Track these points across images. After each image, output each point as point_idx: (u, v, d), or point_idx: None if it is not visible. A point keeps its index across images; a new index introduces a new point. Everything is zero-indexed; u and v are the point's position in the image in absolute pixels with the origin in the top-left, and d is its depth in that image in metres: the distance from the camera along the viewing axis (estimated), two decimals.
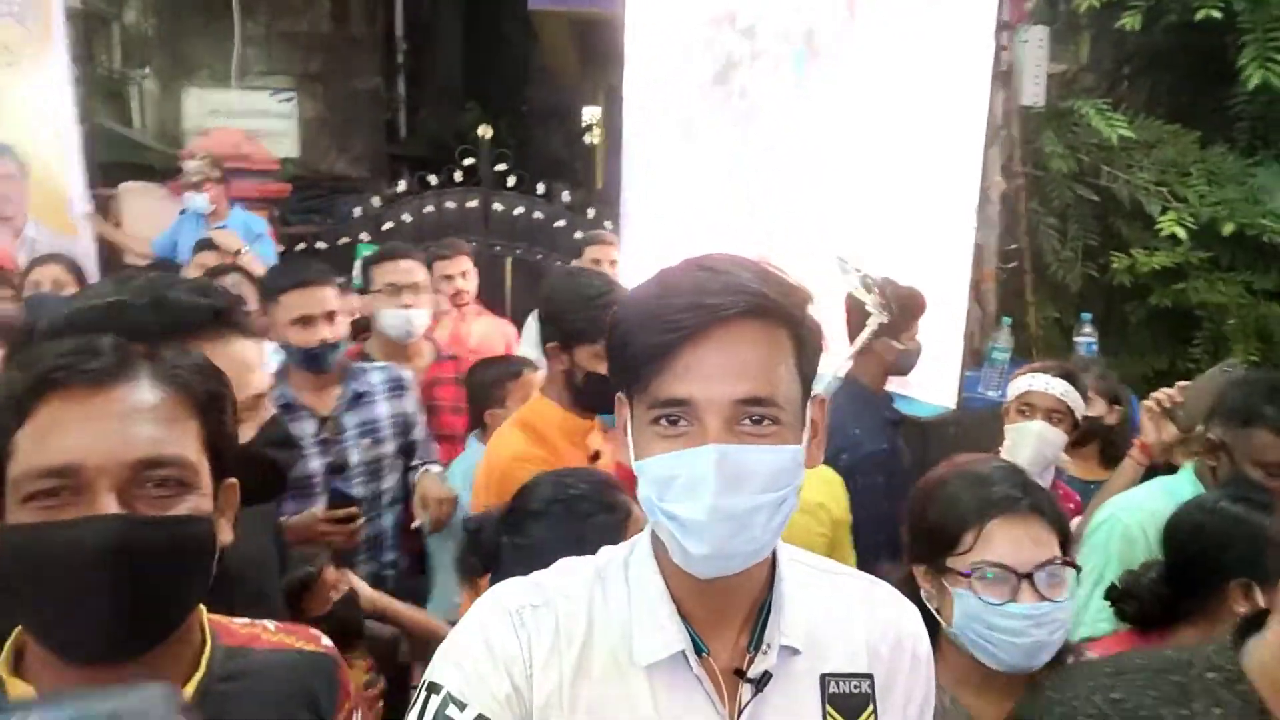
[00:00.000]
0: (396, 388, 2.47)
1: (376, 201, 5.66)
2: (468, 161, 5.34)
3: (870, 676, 0.88)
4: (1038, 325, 4.02)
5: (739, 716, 0.83)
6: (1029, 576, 1.17)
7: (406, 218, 5.47)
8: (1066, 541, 1.25)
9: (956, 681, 1.22)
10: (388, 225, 5.46)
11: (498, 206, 5.42)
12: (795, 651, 0.85)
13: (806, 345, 0.82)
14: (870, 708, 0.87)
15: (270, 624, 1.00)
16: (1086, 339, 3.50)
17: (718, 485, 0.75)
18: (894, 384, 3.05)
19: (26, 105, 4.32)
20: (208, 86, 8.61)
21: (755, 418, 0.77)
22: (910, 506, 1.32)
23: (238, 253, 3.77)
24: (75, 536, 0.77)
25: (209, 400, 0.87)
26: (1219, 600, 1.42)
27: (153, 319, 1.08)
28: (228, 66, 8.54)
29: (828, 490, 2.13)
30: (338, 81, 8.82)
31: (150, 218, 5.01)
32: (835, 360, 2.46)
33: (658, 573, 0.85)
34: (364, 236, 5.38)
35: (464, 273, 3.45)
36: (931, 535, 1.26)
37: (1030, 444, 2.30)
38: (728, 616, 0.86)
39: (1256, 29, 3.46)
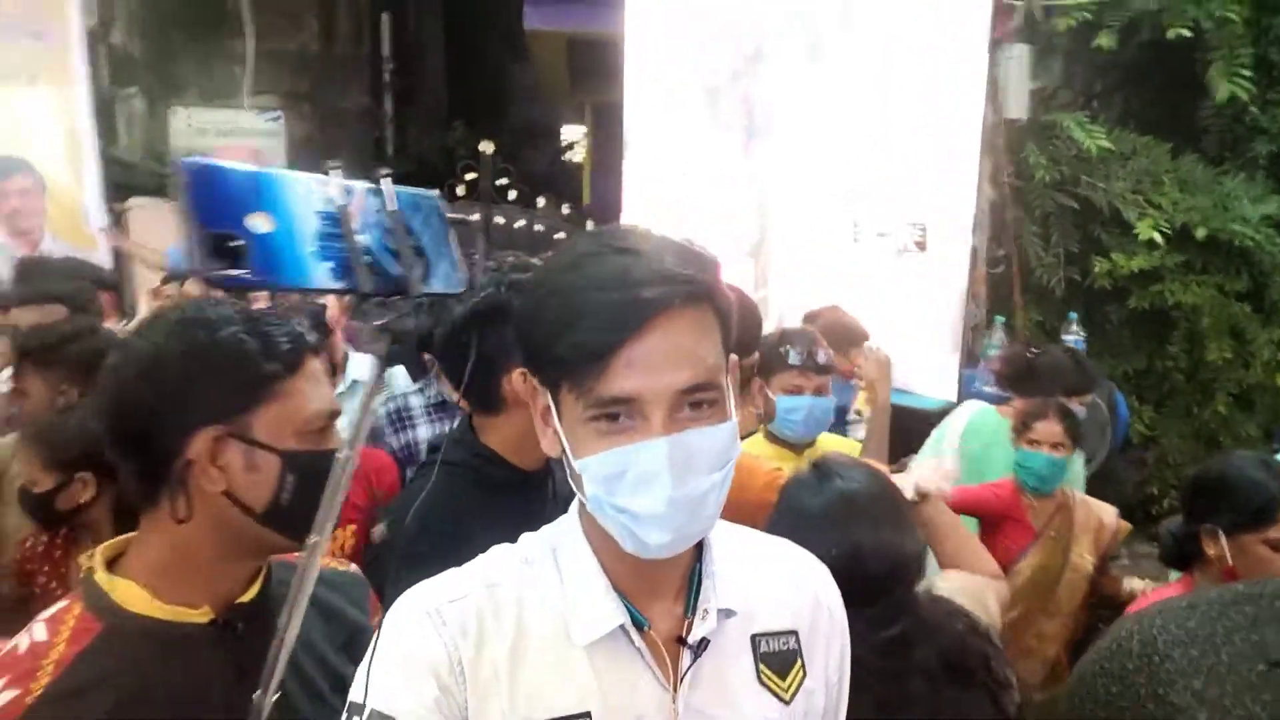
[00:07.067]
0: None
1: None
2: (469, 176, 5.49)
3: (795, 633, 0.90)
4: (1025, 327, 4.23)
5: (679, 684, 0.83)
6: None
7: None
8: None
9: None
10: None
11: (499, 220, 5.56)
12: (731, 613, 0.86)
13: (727, 318, 0.81)
14: (799, 663, 0.89)
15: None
16: (1074, 337, 3.70)
17: (672, 477, 0.74)
18: (899, 381, 3.23)
19: (45, 122, 4.40)
20: (195, 105, 8.66)
21: (695, 402, 0.76)
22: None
23: None
24: None
25: None
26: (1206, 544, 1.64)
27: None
28: (214, 86, 8.61)
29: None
30: (326, 101, 8.93)
31: (158, 232, 5.09)
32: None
33: (590, 553, 0.84)
34: None
35: None
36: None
37: None
38: (662, 588, 0.85)
39: (1223, 46, 3.72)
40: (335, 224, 0.76)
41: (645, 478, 0.75)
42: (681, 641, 0.84)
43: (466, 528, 1.23)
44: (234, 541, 0.98)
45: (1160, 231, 3.87)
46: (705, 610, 0.84)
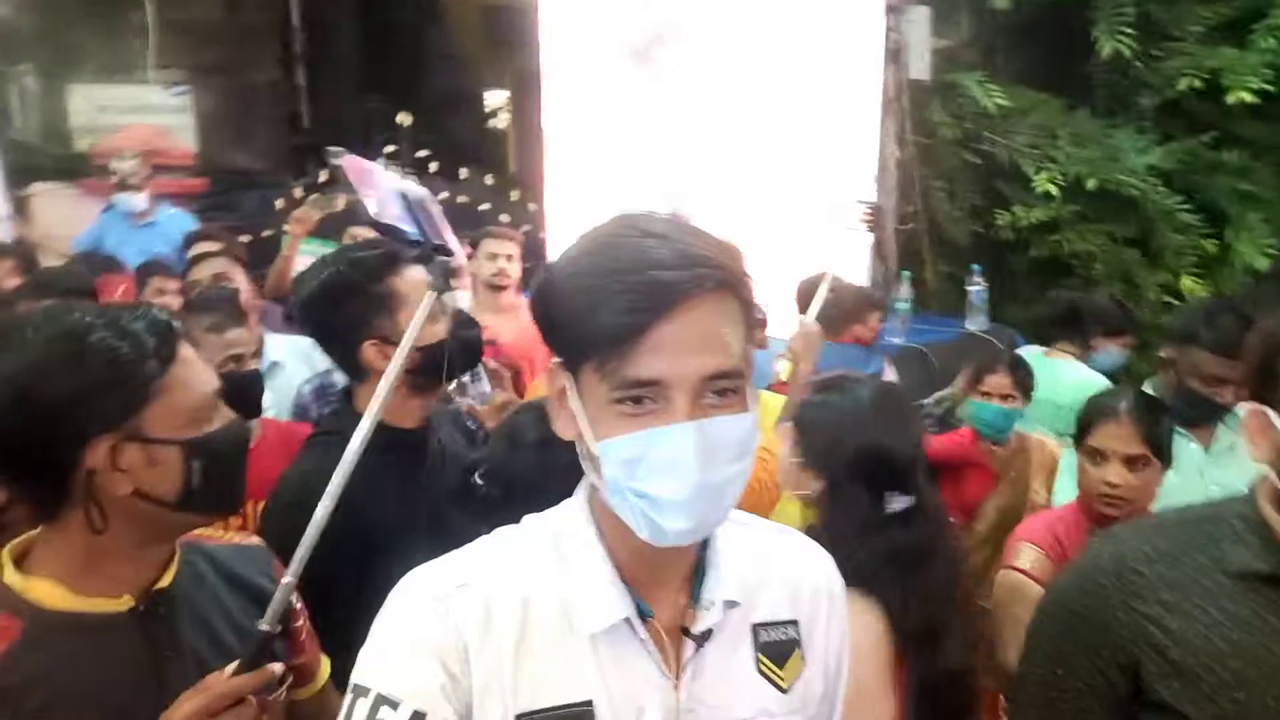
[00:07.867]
0: None
1: (298, 192, 5.66)
2: (389, 149, 5.41)
3: (795, 622, 0.90)
4: (934, 279, 4.43)
5: (682, 673, 0.84)
6: None
7: None
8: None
9: None
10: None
11: None
12: (735, 604, 0.86)
13: (749, 306, 0.81)
14: (797, 651, 0.89)
15: (206, 530, 1.19)
16: (976, 288, 3.91)
17: (698, 463, 0.74)
18: None
19: None
20: (95, 82, 8.29)
21: (719, 390, 0.76)
22: None
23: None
24: None
25: None
26: None
27: None
28: (115, 61, 8.24)
29: None
30: (235, 73, 8.61)
31: (63, 217, 4.92)
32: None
33: (597, 539, 0.84)
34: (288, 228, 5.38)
35: (509, 255, 3.35)
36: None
37: None
38: (668, 576, 0.86)
39: (1105, 5, 3.92)
40: (405, 199, 1.10)
41: (668, 462, 0.75)
42: (685, 631, 0.84)
43: (347, 491, 1.30)
44: (150, 531, 1.00)
45: (1055, 184, 4.08)
46: (711, 601, 0.85)
